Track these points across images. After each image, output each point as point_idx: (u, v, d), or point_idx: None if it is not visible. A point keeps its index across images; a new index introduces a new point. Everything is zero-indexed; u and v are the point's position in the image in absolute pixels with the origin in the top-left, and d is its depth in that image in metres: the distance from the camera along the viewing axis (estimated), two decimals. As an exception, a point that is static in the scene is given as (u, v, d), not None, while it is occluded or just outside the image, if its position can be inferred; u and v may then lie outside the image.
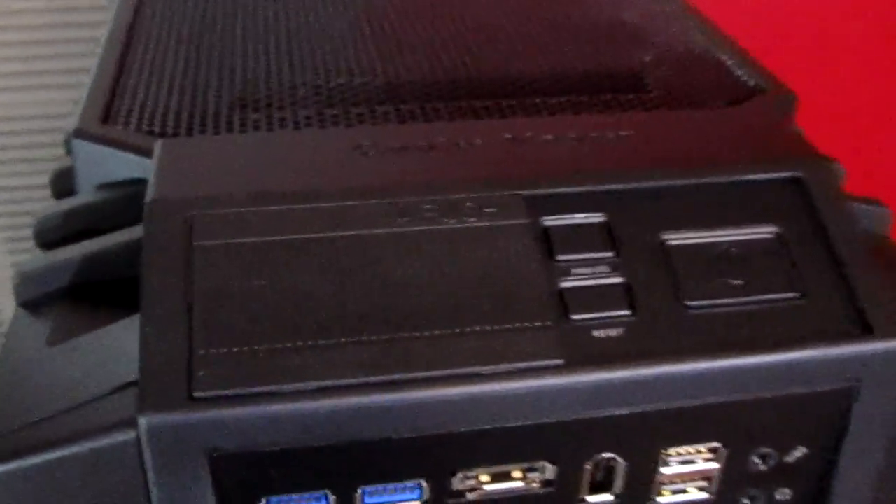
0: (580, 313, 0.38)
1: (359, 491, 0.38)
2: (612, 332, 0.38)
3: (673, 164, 0.43)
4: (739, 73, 0.56)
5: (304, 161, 0.43)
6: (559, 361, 0.37)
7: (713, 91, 0.54)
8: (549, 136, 0.45)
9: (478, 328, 0.37)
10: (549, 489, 0.39)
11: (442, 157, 0.43)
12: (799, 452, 0.41)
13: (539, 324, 0.37)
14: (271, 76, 0.54)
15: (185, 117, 0.49)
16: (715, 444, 0.40)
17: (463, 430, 0.37)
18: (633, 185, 0.42)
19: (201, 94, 0.52)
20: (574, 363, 0.37)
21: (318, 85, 0.52)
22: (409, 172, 0.42)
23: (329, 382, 0.35)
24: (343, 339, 0.36)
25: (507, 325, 0.37)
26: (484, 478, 0.39)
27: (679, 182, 0.42)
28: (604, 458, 0.39)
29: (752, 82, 0.55)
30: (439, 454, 0.37)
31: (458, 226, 0.40)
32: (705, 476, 0.41)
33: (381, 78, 0.53)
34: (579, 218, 0.41)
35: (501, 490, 0.39)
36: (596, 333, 0.38)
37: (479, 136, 0.45)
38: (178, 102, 0.51)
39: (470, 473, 0.38)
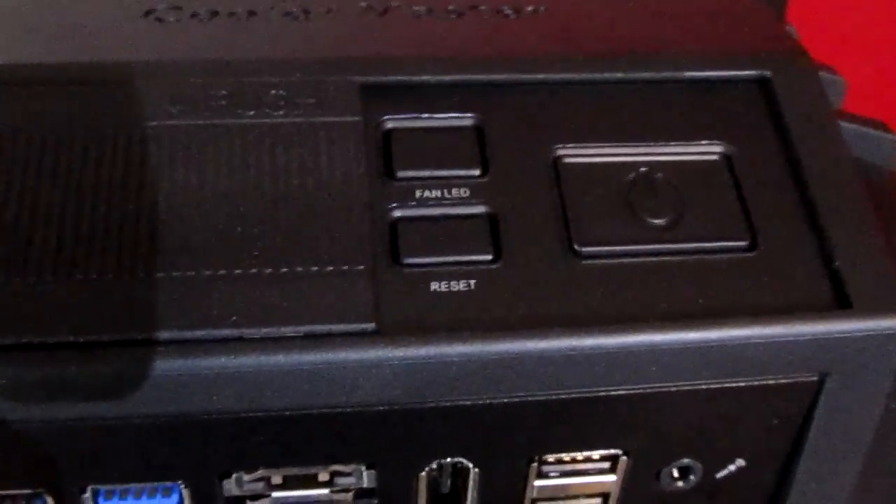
0: (415, 255, 0.26)
1: (87, 492, 0.26)
2: (460, 286, 0.26)
3: (589, 51, 0.30)
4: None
5: (68, 27, 0.30)
6: (369, 326, 0.24)
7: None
8: (423, 7, 0.32)
9: (260, 271, 0.25)
10: (368, 502, 0.27)
11: (260, 28, 0.30)
12: (734, 467, 0.29)
13: (351, 268, 0.25)
14: None
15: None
16: (612, 452, 0.28)
17: (239, 414, 0.25)
18: (523, 76, 0.29)
19: None
20: (392, 330, 0.25)
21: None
22: (206, 48, 0.29)
23: (29, 338, 0.23)
24: (59, 278, 0.24)
25: (304, 269, 0.25)
26: (275, 479, 0.27)
27: (589, 75, 0.29)
28: (447, 465, 0.27)
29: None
30: (203, 448, 0.26)
31: (258, 121, 0.27)
32: (598, 494, 0.29)
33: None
34: (437, 119, 0.28)
35: (297, 499, 0.27)
36: (435, 286, 0.26)
37: (321, 2, 0.32)
38: None
39: (250, 476, 0.27)
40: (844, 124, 0.32)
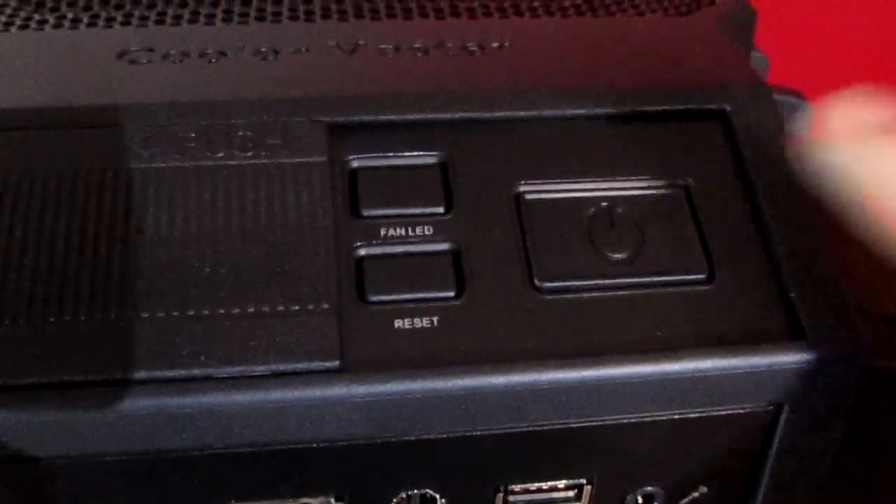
0: (380, 293, 0.27)
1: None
2: (423, 323, 0.26)
3: (553, 86, 0.31)
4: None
5: (40, 70, 0.31)
6: (334, 363, 0.25)
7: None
8: (390, 45, 0.33)
9: (228, 311, 0.26)
10: (338, 533, 0.28)
11: (231, 68, 0.31)
12: (697, 493, 0.29)
13: (317, 307, 0.26)
14: None
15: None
16: (577, 481, 0.29)
17: (209, 450, 0.26)
18: (486, 113, 0.30)
19: None
20: (356, 367, 0.25)
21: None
22: (177, 89, 0.30)
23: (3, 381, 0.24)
24: (33, 321, 0.25)
25: (271, 308, 0.26)
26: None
27: (552, 112, 0.30)
28: (415, 495, 0.28)
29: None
30: (174, 484, 0.26)
31: (227, 162, 0.28)
32: (565, 521, 0.29)
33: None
34: (402, 157, 0.29)
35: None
36: (399, 324, 0.26)
37: (293, 42, 0.33)
38: None
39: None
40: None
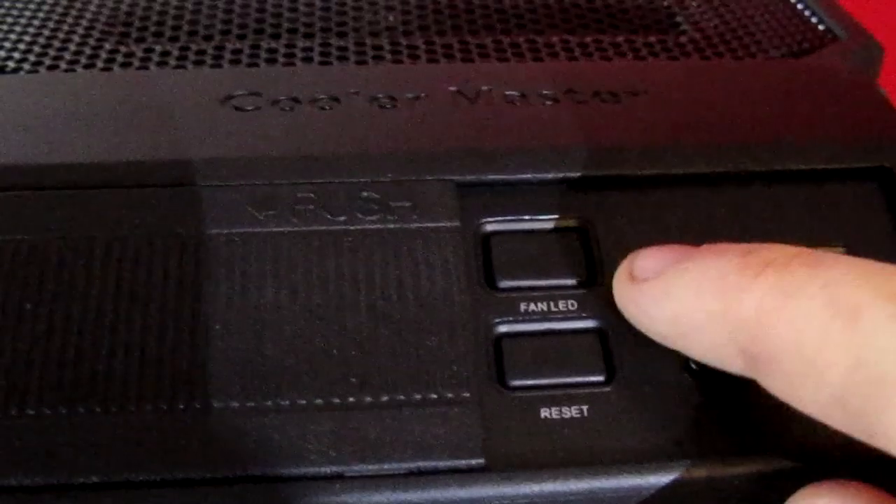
0: (522, 378, 0.24)
1: None
2: (571, 412, 0.24)
3: (697, 140, 0.28)
4: (807, 13, 0.41)
5: (135, 117, 0.29)
6: (478, 461, 0.23)
7: (768, 36, 0.38)
8: (516, 91, 0.30)
9: (358, 399, 0.23)
10: None
11: (346, 118, 0.29)
12: None
13: (457, 395, 0.23)
14: None
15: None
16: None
17: None
18: (631, 171, 0.27)
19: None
20: (502, 464, 0.23)
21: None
22: (291, 141, 0.27)
23: (98, 478, 0.22)
24: (131, 409, 0.23)
25: (405, 397, 0.23)
26: None
27: (698, 169, 0.27)
28: None
29: (822, 26, 0.39)
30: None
31: (350, 227, 0.25)
32: None
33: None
34: (541, 221, 0.26)
35: None
36: (545, 413, 0.24)
37: (410, 87, 0.30)
38: None
39: None
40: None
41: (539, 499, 0.23)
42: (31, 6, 0.37)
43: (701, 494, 0.23)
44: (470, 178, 0.27)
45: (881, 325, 0.19)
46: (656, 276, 0.23)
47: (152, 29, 0.36)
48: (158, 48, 0.34)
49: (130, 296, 0.24)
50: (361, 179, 0.26)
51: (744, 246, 0.22)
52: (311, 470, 0.22)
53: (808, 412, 0.21)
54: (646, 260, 0.23)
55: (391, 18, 0.37)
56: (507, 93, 0.30)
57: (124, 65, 0.33)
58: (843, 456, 0.23)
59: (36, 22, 0.36)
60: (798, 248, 0.22)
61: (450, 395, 0.23)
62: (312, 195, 0.26)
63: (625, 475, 0.23)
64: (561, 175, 0.27)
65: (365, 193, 0.26)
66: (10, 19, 0.36)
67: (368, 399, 0.23)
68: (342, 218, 0.26)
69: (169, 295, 0.24)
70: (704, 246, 0.23)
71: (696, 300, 0.22)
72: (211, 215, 0.26)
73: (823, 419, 0.20)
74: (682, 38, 0.37)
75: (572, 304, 0.25)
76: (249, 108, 0.29)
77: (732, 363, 0.22)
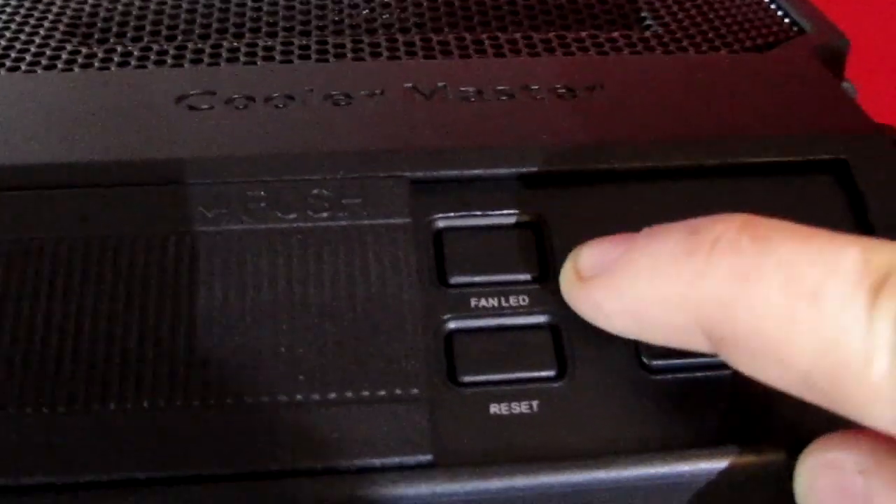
0: (473, 374, 0.24)
1: None
2: (521, 408, 0.24)
3: (654, 135, 0.28)
4: (773, 7, 0.40)
5: (89, 117, 0.29)
6: (426, 457, 0.22)
7: (733, 30, 0.38)
8: (472, 88, 0.30)
9: (307, 397, 0.23)
10: None
11: (300, 115, 0.28)
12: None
13: (406, 392, 0.23)
14: None
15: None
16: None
17: None
18: (585, 166, 0.27)
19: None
20: (450, 460, 0.22)
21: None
22: (243, 140, 0.27)
23: (46, 479, 0.22)
24: (88, 407, 0.22)
25: (354, 394, 0.23)
26: None
27: (655, 164, 0.27)
28: None
29: (788, 20, 0.39)
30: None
31: (300, 224, 0.25)
32: None
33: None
34: (494, 216, 0.26)
35: None
36: (494, 409, 0.23)
37: (366, 84, 0.30)
38: None
39: None
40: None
41: (487, 495, 0.23)
42: None
43: (652, 489, 0.23)
44: (423, 174, 0.26)
45: (843, 305, 0.19)
46: (604, 271, 0.23)
47: (115, 30, 0.36)
48: (120, 49, 0.34)
49: (79, 297, 0.24)
50: (313, 177, 0.26)
51: (686, 224, 0.22)
52: (258, 468, 0.22)
53: (776, 388, 0.21)
54: (589, 257, 0.23)
55: (356, 16, 0.37)
56: (463, 89, 0.30)
57: (84, 66, 0.33)
58: (794, 449, 0.23)
59: None
60: (741, 217, 0.21)
61: (398, 392, 0.23)
62: (263, 193, 0.26)
63: (574, 471, 0.23)
64: (515, 171, 0.27)
65: (316, 191, 0.26)
66: None
67: (316, 397, 0.23)
68: (292, 216, 0.25)
69: (118, 294, 0.24)
70: (644, 231, 0.23)
71: (651, 291, 0.22)
72: (161, 214, 0.25)
73: (793, 394, 0.20)
74: (647, 34, 0.37)
75: (524, 300, 0.25)
76: (203, 107, 0.29)
77: (698, 344, 0.22)
